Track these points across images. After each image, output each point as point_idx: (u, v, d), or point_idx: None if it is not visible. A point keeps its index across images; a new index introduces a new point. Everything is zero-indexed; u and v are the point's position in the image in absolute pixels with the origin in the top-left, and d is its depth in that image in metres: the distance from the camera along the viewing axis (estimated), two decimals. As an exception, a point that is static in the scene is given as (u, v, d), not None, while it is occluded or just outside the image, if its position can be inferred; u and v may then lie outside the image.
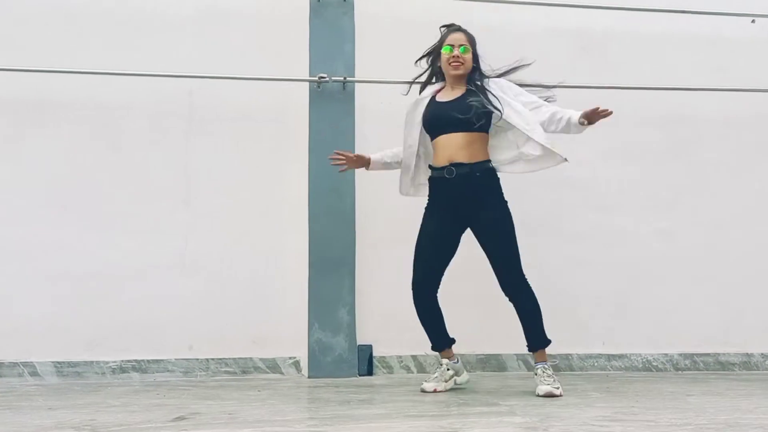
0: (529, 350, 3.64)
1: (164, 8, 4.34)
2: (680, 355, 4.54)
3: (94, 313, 4.13)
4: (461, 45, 3.56)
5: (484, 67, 3.66)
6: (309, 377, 4.18)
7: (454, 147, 3.51)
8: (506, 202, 3.59)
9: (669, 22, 4.67)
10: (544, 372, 3.52)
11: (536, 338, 3.61)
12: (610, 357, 4.48)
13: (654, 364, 4.51)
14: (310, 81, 4.31)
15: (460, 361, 3.77)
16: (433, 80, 3.74)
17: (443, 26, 3.70)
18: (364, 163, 3.80)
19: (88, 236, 4.18)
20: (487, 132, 3.57)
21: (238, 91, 4.31)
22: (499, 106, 3.49)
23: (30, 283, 4.12)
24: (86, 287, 4.14)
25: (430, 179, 3.62)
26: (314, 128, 4.32)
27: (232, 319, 4.22)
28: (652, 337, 4.53)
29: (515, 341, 4.38)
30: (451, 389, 3.68)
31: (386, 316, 4.30)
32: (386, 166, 3.82)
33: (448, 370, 3.67)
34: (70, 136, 4.24)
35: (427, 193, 3.66)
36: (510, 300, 3.59)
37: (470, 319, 4.37)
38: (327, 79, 4.26)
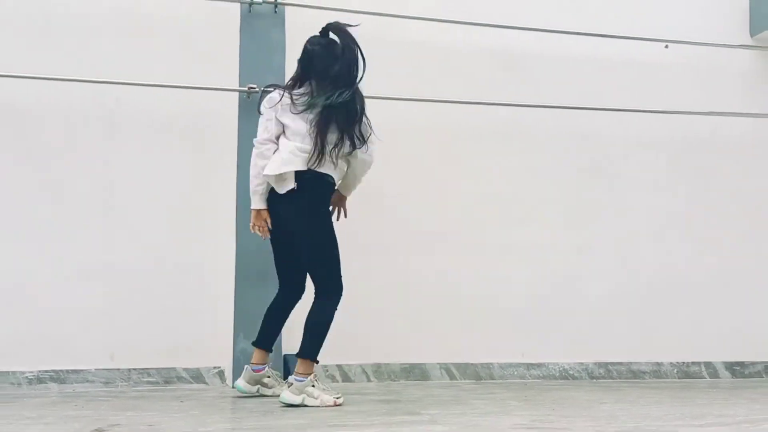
0: (298, 356, 3.50)
1: (88, 11, 4.19)
2: (595, 364, 4.62)
3: (9, 322, 3.94)
4: None
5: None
6: (233, 387, 4.09)
7: None
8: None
9: (587, 44, 4.75)
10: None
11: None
12: (529, 366, 4.53)
13: (570, 372, 4.58)
14: (240, 91, 4.24)
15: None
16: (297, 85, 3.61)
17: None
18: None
19: (6, 244, 3.99)
20: None
21: (164, 98, 4.20)
22: None
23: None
24: (3, 296, 3.95)
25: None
26: (243, 139, 4.22)
27: (155, 328, 4.10)
28: (568, 347, 4.61)
29: (438, 351, 4.44)
30: (375, 399, 3.65)
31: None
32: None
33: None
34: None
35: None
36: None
37: (395, 329, 4.38)
38: (257, 89, 4.20)
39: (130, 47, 4.20)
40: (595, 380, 4.57)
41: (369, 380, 4.31)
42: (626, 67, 4.83)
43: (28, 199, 4.06)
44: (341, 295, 3.53)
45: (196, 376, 4.12)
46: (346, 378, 4.28)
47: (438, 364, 4.41)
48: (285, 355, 4.16)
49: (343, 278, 3.53)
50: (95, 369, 4.00)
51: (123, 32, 4.22)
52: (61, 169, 4.10)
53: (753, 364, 4.83)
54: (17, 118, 4.09)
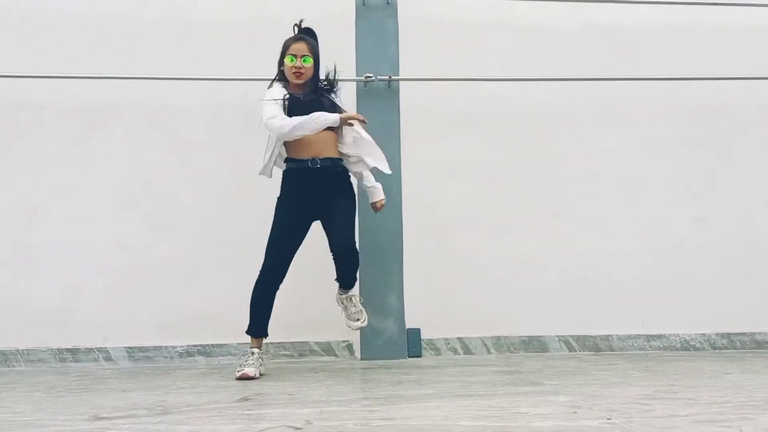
0: (343, 287, 3.76)
1: (220, 17, 4.40)
2: (717, 334, 4.47)
3: (163, 303, 4.23)
4: (304, 56, 3.59)
5: None
6: (361, 359, 4.22)
7: (320, 142, 3.55)
8: (355, 195, 3.72)
9: (699, 13, 4.58)
10: (350, 302, 3.76)
11: (351, 280, 3.73)
12: (648, 337, 4.43)
13: (692, 343, 4.44)
14: (357, 80, 4.33)
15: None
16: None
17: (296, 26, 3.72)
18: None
19: (158, 232, 4.27)
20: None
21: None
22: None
23: (103, 276, 4.23)
24: (156, 278, 4.24)
25: (288, 171, 3.62)
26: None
27: (289, 306, 4.23)
28: (689, 317, 4.47)
29: (557, 323, 4.41)
30: (496, 371, 3.68)
31: (433, 301, 4.31)
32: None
33: (259, 358, 3.61)
34: (135, 139, 4.34)
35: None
36: (339, 255, 3.62)
37: (513, 303, 4.38)
38: (373, 78, 4.28)
39: (256, 45, 4.34)
40: (717, 351, 4.42)
41: (489, 352, 4.34)
42: (741, 34, 4.61)
43: (181, 191, 4.32)
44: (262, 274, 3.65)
45: (327, 349, 4.27)
46: (467, 350, 4.32)
47: (557, 336, 4.38)
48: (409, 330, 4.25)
49: None
50: (237, 343, 4.21)
51: (248, 31, 4.40)
52: (202, 162, 4.34)
53: None
54: (163, 117, 4.35)
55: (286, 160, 3.64)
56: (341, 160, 3.66)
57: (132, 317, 4.22)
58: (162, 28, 4.39)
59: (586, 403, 2.70)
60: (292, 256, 3.63)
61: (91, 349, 4.19)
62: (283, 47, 3.67)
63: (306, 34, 3.69)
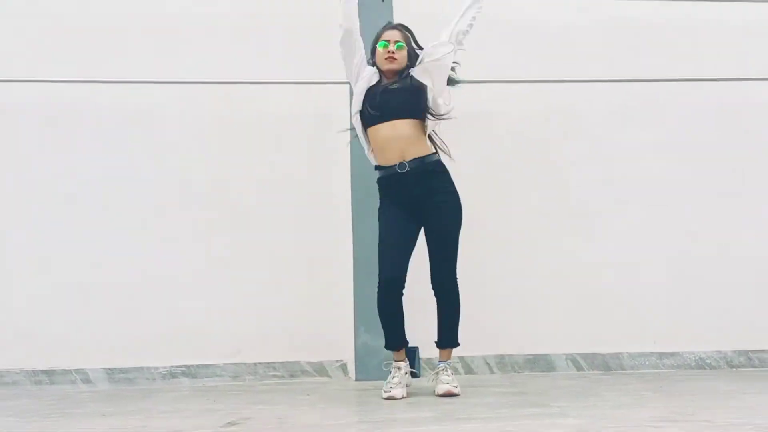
0: (439, 347, 3.60)
1: (203, 14, 4.38)
2: (734, 352, 4.42)
3: (144, 321, 4.19)
4: (397, 41, 3.57)
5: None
6: (356, 380, 4.17)
7: (402, 141, 3.46)
8: (456, 191, 3.55)
9: (724, 10, 4.56)
10: (445, 371, 3.51)
11: (450, 337, 3.59)
12: (661, 355, 4.39)
13: (707, 361, 4.40)
14: (349, 83, 4.29)
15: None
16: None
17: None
18: None
19: (139, 248, 4.25)
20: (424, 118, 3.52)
21: (279, 94, 4.34)
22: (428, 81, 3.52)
23: (81, 292, 4.19)
24: (137, 296, 4.21)
25: (379, 179, 3.58)
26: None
27: (279, 323, 4.24)
28: (704, 334, 4.43)
29: (564, 340, 4.37)
30: (499, 391, 3.63)
31: (432, 318, 4.24)
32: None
33: (405, 373, 3.56)
34: (111, 145, 4.31)
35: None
36: (437, 297, 3.57)
37: (517, 320, 4.34)
38: (367, 81, 4.25)
39: (244, 46, 4.34)
40: (734, 369, 4.38)
41: (492, 372, 4.30)
42: (762, 33, 4.59)
43: (160, 202, 4.29)
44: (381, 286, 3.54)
45: (320, 369, 4.22)
46: (468, 370, 4.27)
47: (564, 354, 4.34)
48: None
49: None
50: (223, 363, 4.17)
51: (236, 32, 4.38)
52: (184, 168, 4.32)
53: None
54: (144, 121, 4.33)
55: (376, 168, 3.58)
56: (434, 154, 3.55)
57: (112, 336, 4.17)
58: (140, 29, 4.36)
59: (595, 426, 2.65)
60: (407, 263, 3.52)
61: (69, 370, 4.14)
62: (375, 37, 3.66)
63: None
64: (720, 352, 4.42)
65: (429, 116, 3.51)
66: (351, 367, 4.22)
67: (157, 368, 4.16)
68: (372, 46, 3.65)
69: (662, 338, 4.41)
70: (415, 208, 3.50)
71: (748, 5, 4.52)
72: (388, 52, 3.55)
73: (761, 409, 2.97)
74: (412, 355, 4.19)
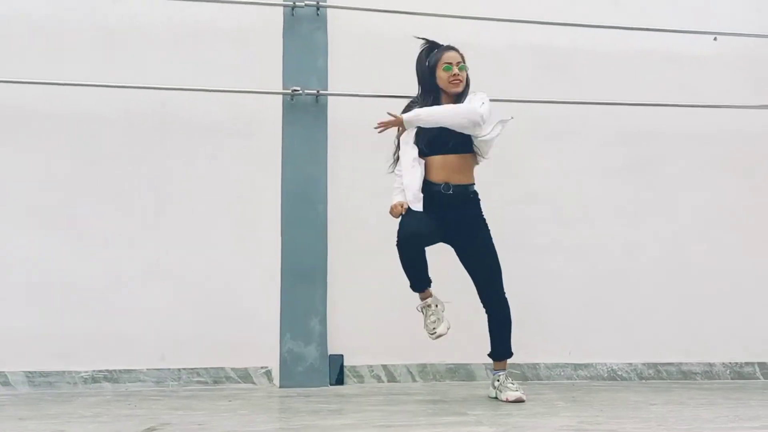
0: (494, 359, 3.76)
1: (139, 22, 4.32)
2: (644, 364, 4.58)
3: (67, 324, 4.09)
4: (459, 63, 3.64)
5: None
6: (280, 387, 4.17)
7: (448, 170, 3.59)
8: (487, 223, 3.73)
9: (632, 39, 4.71)
10: (506, 379, 3.66)
11: (500, 348, 3.73)
12: (576, 366, 4.52)
13: (619, 373, 4.55)
14: (283, 94, 4.32)
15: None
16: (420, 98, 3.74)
17: (425, 44, 3.74)
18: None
19: (62, 249, 4.14)
20: (473, 153, 3.66)
21: (211, 103, 4.30)
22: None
23: (3, 295, 4.07)
24: (59, 298, 4.10)
25: (424, 193, 3.62)
26: (287, 140, 4.33)
27: (204, 329, 4.19)
28: (617, 346, 4.57)
29: (484, 351, 4.44)
30: (420, 400, 3.68)
31: (358, 326, 4.30)
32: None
33: (437, 306, 3.67)
34: (47, 148, 4.20)
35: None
36: (487, 311, 3.72)
37: (440, 329, 4.39)
38: (300, 92, 4.27)
39: (178, 53, 4.30)
40: (644, 381, 4.53)
41: (414, 380, 4.35)
42: (673, 61, 4.78)
43: (88, 205, 4.19)
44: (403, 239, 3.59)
45: (244, 375, 4.20)
46: (391, 378, 4.32)
47: (484, 364, 4.40)
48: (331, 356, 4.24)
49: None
50: (147, 369, 4.11)
51: (172, 39, 4.33)
52: (118, 173, 4.23)
53: (810, 364, 4.75)
54: (80, 125, 4.23)
55: (425, 183, 3.62)
56: (473, 185, 3.70)
57: (33, 339, 4.06)
58: (79, 33, 4.27)
59: (508, 435, 2.73)
60: (427, 240, 3.59)
61: (-13, 373, 4.02)
62: (429, 60, 3.66)
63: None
64: (631, 364, 4.57)
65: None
66: (276, 374, 4.21)
67: (78, 372, 4.07)
68: (423, 67, 3.68)
69: (577, 350, 4.54)
70: (447, 227, 3.60)
71: (660, 34, 4.70)
72: (453, 75, 3.61)
73: (665, 420, 3.08)
74: (338, 362, 4.24)
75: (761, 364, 4.69)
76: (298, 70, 4.33)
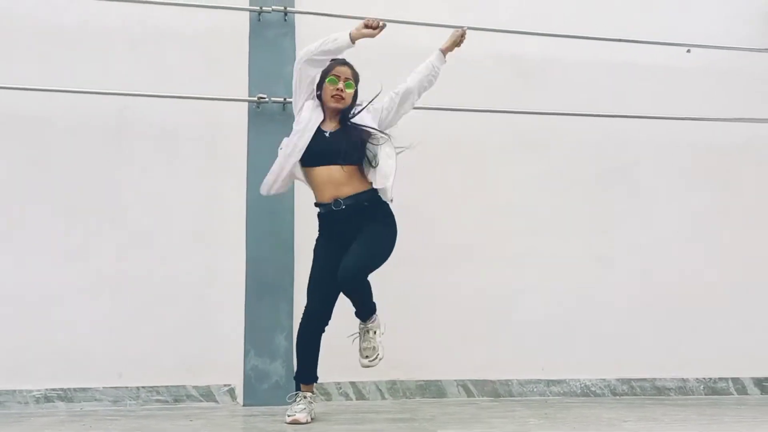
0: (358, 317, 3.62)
1: (97, 24, 4.21)
2: (618, 380, 4.56)
3: (15, 340, 3.96)
4: (346, 80, 3.56)
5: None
6: (244, 405, 4.07)
7: (335, 183, 3.48)
8: (394, 220, 3.60)
9: (606, 50, 4.72)
10: (376, 334, 3.62)
11: (367, 310, 3.60)
12: (549, 382, 4.47)
13: (592, 389, 4.52)
14: (249, 101, 4.24)
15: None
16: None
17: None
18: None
19: (7, 258, 4.01)
20: (362, 163, 3.54)
21: (173, 110, 4.21)
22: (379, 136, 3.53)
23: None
24: (6, 312, 3.96)
25: (319, 215, 3.61)
26: (253, 149, 4.26)
27: (164, 345, 4.09)
28: (590, 362, 4.55)
29: (455, 367, 4.39)
30: (389, 418, 3.60)
31: (325, 342, 4.18)
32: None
33: (311, 402, 3.52)
34: (5, 154, 4.08)
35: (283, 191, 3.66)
36: (346, 293, 3.54)
37: (409, 345, 4.32)
38: (266, 99, 4.21)
39: (138, 58, 4.22)
40: (618, 397, 4.51)
41: (383, 398, 4.28)
42: (647, 72, 4.81)
43: (41, 212, 4.07)
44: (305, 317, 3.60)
45: (207, 394, 4.09)
46: (360, 396, 4.24)
47: (455, 380, 4.37)
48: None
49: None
50: (103, 387, 4.00)
51: (131, 43, 4.25)
52: (70, 180, 4.12)
53: (783, 379, 4.76)
54: (28, 129, 4.11)
55: (316, 204, 3.59)
56: (367, 192, 3.51)
57: (-19, 356, 3.92)
58: (33, 34, 4.15)
59: (480, 456, 2.66)
60: (335, 297, 3.55)
61: (-70, 393, 3.86)
62: (323, 71, 3.57)
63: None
64: (604, 380, 4.54)
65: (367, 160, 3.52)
66: (239, 392, 4.11)
67: (30, 391, 3.92)
68: (320, 80, 3.58)
69: (549, 366, 4.50)
70: (350, 240, 3.48)
71: (635, 46, 4.71)
72: (337, 89, 3.53)
73: (640, 438, 3.05)
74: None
75: (735, 380, 4.70)
76: (265, 76, 4.26)
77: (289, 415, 3.40)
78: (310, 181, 3.56)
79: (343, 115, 3.57)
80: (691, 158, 4.82)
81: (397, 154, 3.54)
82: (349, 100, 3.56)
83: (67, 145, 4.13)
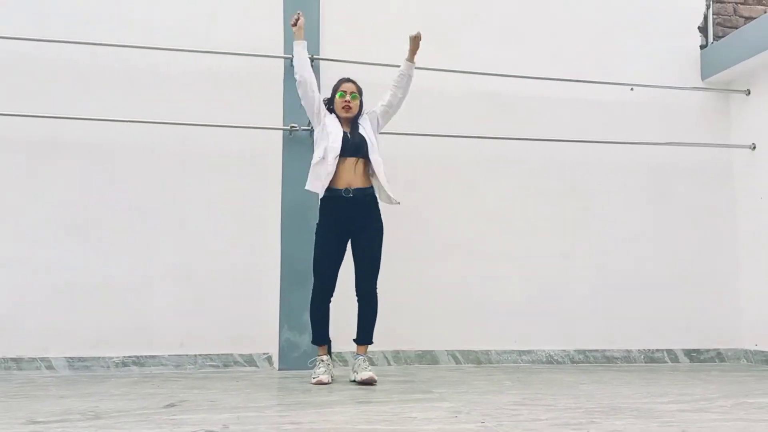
0: (357, 343, 3.60)
1: (165, 68, 4.27)
2: (575, 351, 4.59)
3: (101, 317, 4.02)
4: (352, 92, 3.61)
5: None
6: (279, 369, 4.12)
7: (349, 172, 3.49)
8: (382, 221, 3.60)
9: (565, 87, 4.74)
10: (364, 362, 3.53)
11: (367, 336, 3.59)
12: (520, 352, 4.51)
13: (555, 358, 4.55)
14: (283, 129, 4.30)
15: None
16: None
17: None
18: (299, 34, 3.60)
19: (99, 255, 4.08)
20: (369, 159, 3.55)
21: (223, 137, 4.26)
22: (374, 141, 3.58)
23: (48, 292, 4.00)
24: (96, 296, 4.04)
25: (325, 198, 3.52)
26: (286, 168, 4.30)
27: (217, 321, 4.14)
28: (554, 336, 4.58)
29: (446, 339, 4.43)
30: (394, 380, 3.66)
31: (343, 318, 4.24)
32: (301, 61, 3.60)
33: (329, 365, 3.53)
34: (88, 173, 4.14)
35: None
36: (360, 302, 3.57)
37: (411, 322, 4.38)
38: (297, 128, 4.26)
39: (196, 96, 4.27)
40: (575, 364, 4.54)
41: (389, 364, 4.32)
42: (598, 106, 4.82)
43: (120, 218, 4.13)
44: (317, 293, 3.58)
45: (249, 360, 4.14)
46: (370, 362, 4.18)
47: (446, 351, 4.41)
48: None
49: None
50: (168, 355, 4.05)
51: (192, 84, 4.29)
52: (144, 194, 4.18)
53: (707, 351, 4.78)
54: (113, 152, 4.17)
55: (325, 193, 3.50)
56: (369, 188, 3.55)
57: (73, 330, 3.99)
58: (110, 76, 4.22)
59: (465, 409, 2.71)
60: (337, 273, 3.53)
61: (34, 358, 3.93)
62: (333, 88, 3.66)
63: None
64: (565, 350, 4.58)
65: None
66: (275, 359, 4.16)
67: (111, 358, 4.00)
68: (331, 96, 3.67)
69: (521, 339, 4.53)
70: (350, 226, 3.50)
71: (589, 85, 4.75)
72: (345, 101, 3.58)
73: (592, 397, 3.09)
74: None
75: (668, 351, 4.73)
76: (296, 110, 4.25)
77: (314, 378, 3.44)
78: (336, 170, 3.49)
79: (354, 120, 3.63)
80: (634, 175, 4.84)
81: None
82: (356, 109, 3.62)
83: (141, 165, 4.19)
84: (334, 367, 3.64)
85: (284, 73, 4.37)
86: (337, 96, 3.62)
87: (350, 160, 3.51)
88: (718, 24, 5.11)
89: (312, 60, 4.33)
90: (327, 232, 3.53)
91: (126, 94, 4.21)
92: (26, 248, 4.01)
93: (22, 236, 4.02)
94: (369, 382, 3.38)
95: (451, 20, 4.70)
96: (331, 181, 3.49)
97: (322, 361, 3.53)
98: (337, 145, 3.49)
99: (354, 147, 3.52)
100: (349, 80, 3.68)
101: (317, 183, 3.53)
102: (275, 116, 4.33)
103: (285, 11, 4.38)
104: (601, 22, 4.92)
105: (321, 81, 4.34)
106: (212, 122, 4.20)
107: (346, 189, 3.48)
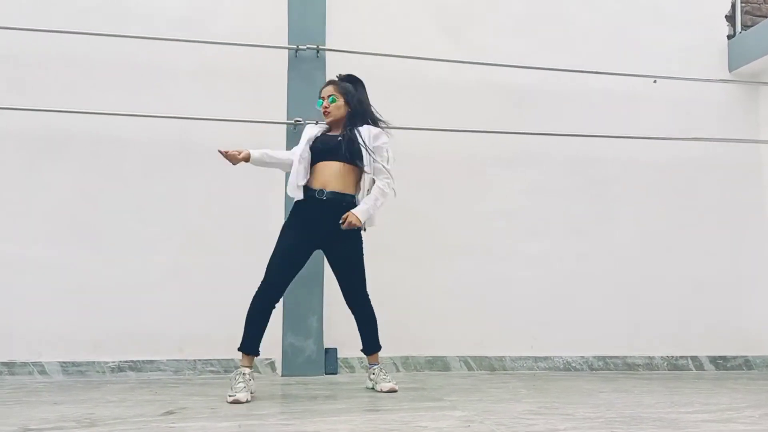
0: (366, 353, 3.57)
1: (165, 61, 4.28)
2: (594, 357, 4.57)
3: (97, 320, 4.04)
4: (329, 96, 3.53)
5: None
6: (282, 376, 4.12)
7: (328, 174, 3.37)
8: (361, 234, 3.46)
9: (585, 81, 4.74)
10: (380, 371, 3.50)
11: (373, 344, 3.56)
12: (537, 359, 4.50)
13: (573, 364, 4.54)
14: (287, 123, 4.30)
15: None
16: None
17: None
18: (245, 158, 3.41)
19: (92, 256, 4.09)
20: (358, 167, 3.41)
21: (225, 131, 4.26)
22: (364, 155, 3.41)
23: (42, 294, 4.01)
24: (90, 299, 4.05)
25: (297, 201, 3.38)
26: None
27: (216, 325, 4.14)
28: (571, 341, 4.56)
29: (458, 345, 4.42)
30: (403, 387, 3.65)
31: (350, 323, 4.23)
32: (264, 164, 3.50)
33: (250, 379, 3.19)
34: (85, 167, 4.16)
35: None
36: (353, 312, 3.51)
37: (420, 326, 4.38)
38: (302, 122, 4.26)
39: (197, 90, 4.28)
40: (594, 371, 4.52)
41: (398, 370, 4.31)
42: (619, 100, 4.80)
43: (117, 217, 4.14)
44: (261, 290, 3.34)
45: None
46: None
47: (457, 356, 4.40)
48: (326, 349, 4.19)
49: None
50: (167, 360, 4.06)
51: (193, 77, 4.30)
52: (143, 192, 4.19)
53: (734, 358, 4.75)
54: (109, 147, 4.18)
55: (302, 195, 3.36)
56: (351, 196, 3.40)
57: (67, 334, 4.00)
58: (110, 68, 4.24)
59: (478, 418, 2.70)
60: (291, 279, 3.31)
61: (27, 363, 3.94)
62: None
63: (346, 81, 3.59)
64: (583, 357, 4.56)
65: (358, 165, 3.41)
66: (278, 365, 4.16)
67: (107, 362, 4.01)
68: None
69: (537, 344, 4.52)
70: (320, 233, 3.35)
71: (608, 77, 4.73)
72: (323, 107, 3.54)
73: (612, 406, 3.07)
74: (332, 355, 4.20)
75: (693, 358, 4.70)
76: (300, 103, 4.30)
77: (230, 396, 3.05)
78: (313, 172, 3.39)
79: (350, 123, 3.49)
80: (653, 171, 4.81)
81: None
82: (336, 112, 3.50)
83: (140, 160, 4.21)
84: (253, 380, 3.26)
85: (288, 65, 4.38)
86: (317, 106, 3.58)
87: (329, 163, 3.38)
88: (747, 13, 5.08)
89: (317, 51, 4.34)
90: (290, 231, 3.36)
91: (126, 87, 4.23)
92: (18, 249, 4.03)
93: (13, 237, 4.04)
94: (392, 391, 3.39)
95: (461, 10, 4.69)
96: (308, 182, 3.38)
97: (243, 375, 3.17)
98: (300, 149, 3.42)
99: (332, 149, 3.39)
100: (329, 83, 3.60)
101: (291, 188, 3.42)
102: (279, 110, 4.33)
103: (289, 0, 4.39)
104: (623, 11, 4.91)
105: (327, 72, 4.35)
106: (214, 116, 4.21)
107: (320, 190, 3.34)
